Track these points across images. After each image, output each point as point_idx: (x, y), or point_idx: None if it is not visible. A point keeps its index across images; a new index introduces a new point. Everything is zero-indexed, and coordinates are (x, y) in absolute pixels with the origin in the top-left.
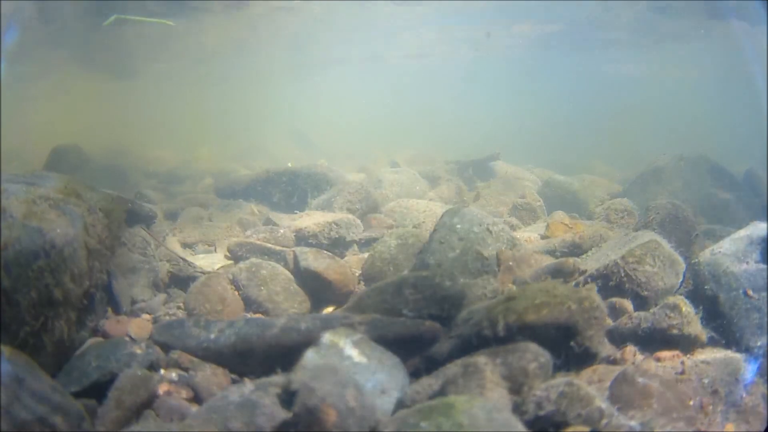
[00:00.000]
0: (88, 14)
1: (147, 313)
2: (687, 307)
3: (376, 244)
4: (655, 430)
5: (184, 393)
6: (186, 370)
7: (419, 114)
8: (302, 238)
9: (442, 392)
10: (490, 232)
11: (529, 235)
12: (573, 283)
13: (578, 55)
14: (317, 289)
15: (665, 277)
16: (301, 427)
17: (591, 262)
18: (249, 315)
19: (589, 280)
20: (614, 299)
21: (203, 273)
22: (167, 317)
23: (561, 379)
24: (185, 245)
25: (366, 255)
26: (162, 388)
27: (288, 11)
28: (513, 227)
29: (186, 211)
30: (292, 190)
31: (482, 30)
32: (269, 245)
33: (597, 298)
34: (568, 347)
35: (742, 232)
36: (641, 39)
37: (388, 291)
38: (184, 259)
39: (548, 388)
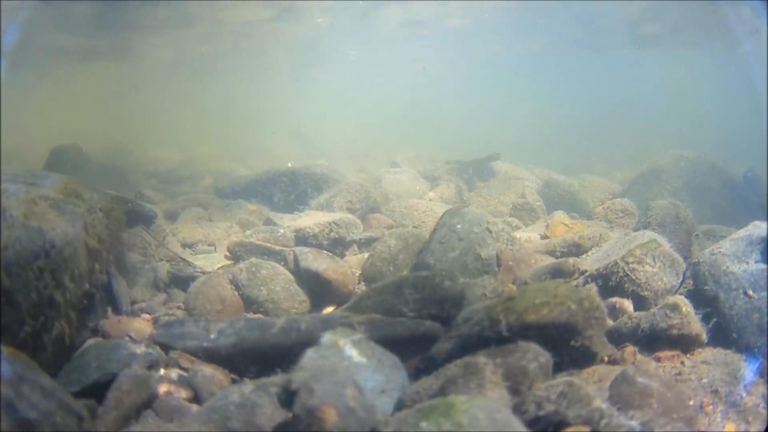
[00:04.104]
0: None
1: (147, 313)
2: (687, 307)
3: (376, 244)
4: (655, 430)
5: (184, 393)
6: (186, 370)
7: (420, 114)
8: (302, 238)
9: (442, 392)
10: (490, 232)
11: (529, 235)
12: (573, 283)
13: (580, 55)
14: (317, 289)
15: (665, 277)
16: (301, 427)
17: (591, 262)
18: (249, 315)
19: (589, 280)
20: (614, 299)
21: (203, 273)
22: (167, 317)
23: (561, 379)
24: (185, 245)
25: (366, 255)
26: (162, 388)
27: (289, 13)
28: (513, 227)
29: (186, 211)
30: (292, 190)
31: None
32: (269, 245)
33: (597, 298)
34: (568, 347)
35: (742, 232)
36: (643, 40)
37: (388, 291)
38: (184, 259)
39: (548, 388)
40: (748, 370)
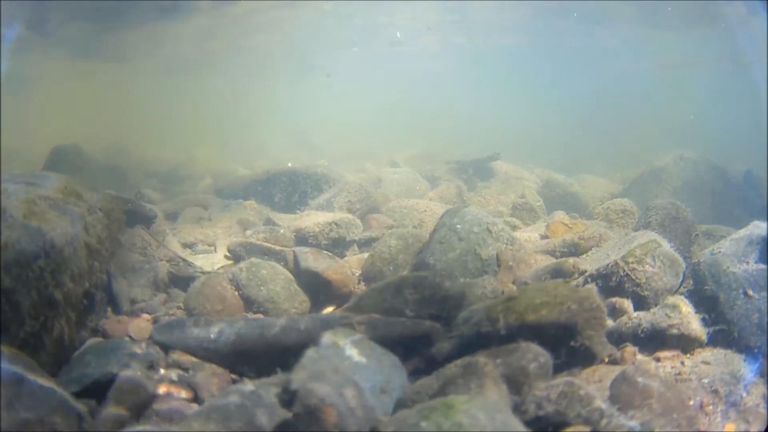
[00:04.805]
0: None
1: (147, 313)
2: (687, 307)
3: (376, 244)
4: (655, 430)
5: (184, 393)
6: (186, 370)
7: (420, 114)
8: (302, 238)
9: (442, 392)
10: (490, 232)
11: (529, 235)
12: (573, 283)
13: (579, 54)
14: (317, 289)
15: (665, 277)
16: (301, 427)
17: (591, 262)
18: (249, 315)
19: (589, 280)
20: (614, 299)
21: (203, 273)
22: (167, 317)
23: (561, 379)
24: (185, 245)
25: (366, 255)
26: (162, 388)
27: (288, 12)
28: (513, 227)
29: (186, 211)
30: (292, 190)
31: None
32: (269, 245)
33: (597, 298)
34: (568, 347)
35: (742, 232)
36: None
37: (388, 291)
38: (184, 259)
39: (548, 388)
40: (748, 370)
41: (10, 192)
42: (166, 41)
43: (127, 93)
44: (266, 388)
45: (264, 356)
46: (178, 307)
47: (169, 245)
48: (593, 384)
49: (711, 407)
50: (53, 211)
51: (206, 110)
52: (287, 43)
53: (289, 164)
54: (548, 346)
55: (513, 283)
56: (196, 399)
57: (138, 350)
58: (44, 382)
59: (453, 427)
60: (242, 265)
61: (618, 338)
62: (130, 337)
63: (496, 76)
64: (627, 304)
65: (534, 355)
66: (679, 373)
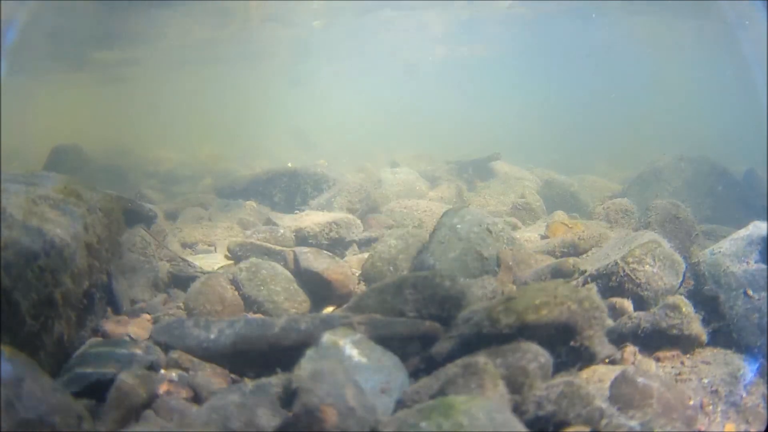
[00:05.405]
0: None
1: (147, 313)
2: (687, 307)
3: (376, 244)
4: (655, 430)
5: (184, 393)
6: (186, 370)
7: (420, 114)
8: (302, 238)
9: (442, 392)
10: (490, 232)
11: (529, 235)
12: (573, 283)
13: (578, 54)
14: (317, 289)
15: (665, 277)
16: (301, 427)
17: (591, 262)
18: (249, 315)
19: (589, 280)
20: (614, 299)
21: (203, 273)
22: (167, 317)
23: (561, 379)
24: (185, 245)
25: (366, 255)
26: (162, 388)
27: (288, 12)
28: (513, 227)
29: (186, 211)
30: (292, 190)
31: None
32: (269, 245)
33: (597, 298)
34: (568, 347)
35: (742, 232)
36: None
37: (388, 291)
38: (184, 259)
39: (548, 388)
40: (748, 370)
41: (10, 192)
42: (165, 40)
43: (126, 93)
44: (266, 388)
45: (264, 356)
46: (178, 307)
47: (169, 245)
48: (593, 384)
49: (711, 407)
50: (53, 211)
51: (206, 110)
52: (289, 45)
53: (289, 164)
54: (548, 346)
55: (513, 283)
56: (196, 399)
57: (138, 350)
58: (44, 382)
59: (453, 427)
60: (242, 265)
61: (618, 338)
62: (130, 337)
63: (496, 75)
64: (627, 304)
65: (534, 355)
66: (679, 373)
